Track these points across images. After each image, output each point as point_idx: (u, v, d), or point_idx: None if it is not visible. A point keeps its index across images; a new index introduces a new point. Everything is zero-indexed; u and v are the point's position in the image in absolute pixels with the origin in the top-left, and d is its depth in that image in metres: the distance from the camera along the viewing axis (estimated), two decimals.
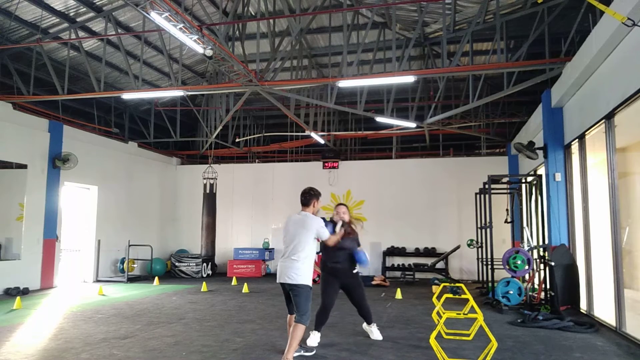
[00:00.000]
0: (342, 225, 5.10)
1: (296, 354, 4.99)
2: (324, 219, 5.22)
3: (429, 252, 14.08)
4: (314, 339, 5.61)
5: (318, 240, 5.04)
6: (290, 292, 4.77)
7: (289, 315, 4.99)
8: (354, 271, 5.76)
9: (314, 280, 5.03)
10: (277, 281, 4.85)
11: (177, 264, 13.95)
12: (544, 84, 9.48)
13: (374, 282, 12.15)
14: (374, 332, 5.96)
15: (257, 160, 17.08)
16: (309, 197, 5.03)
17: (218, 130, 14.08)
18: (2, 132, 10.26)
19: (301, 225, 4.84)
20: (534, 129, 10.75)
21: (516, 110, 13.81)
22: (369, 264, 5.58)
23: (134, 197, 14.42)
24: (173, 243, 16.07)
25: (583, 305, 7.85)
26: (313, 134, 13.81)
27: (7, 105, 10.68)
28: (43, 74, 11.40)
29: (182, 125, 15.16)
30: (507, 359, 5.04)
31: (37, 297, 9.54)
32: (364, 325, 6.09)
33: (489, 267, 9.49)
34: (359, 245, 5.84)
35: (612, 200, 6.39)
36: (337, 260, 5.61)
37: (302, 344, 5.25)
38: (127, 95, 10.94)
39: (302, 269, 4.70)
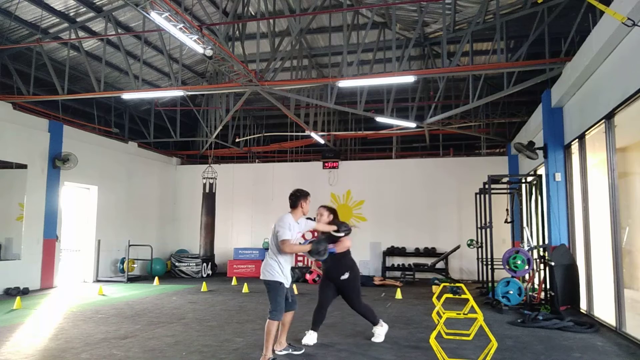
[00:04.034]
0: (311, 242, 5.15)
1: (284, 352, 5.08)
2: (310, 219, 5.31)
3: (429, 252, 14.08)
4: (310, 338, 5.58)
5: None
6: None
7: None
8: (341, 277, 5.57)
9: (313, 280, 5.04)
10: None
11: (177, 264, 13.94)
12: (544, 84, 9.47)
13: (378, 283, 12.12)
14: (376, 334, 5.83)
15: (257, 160, 17.07)
16: (295, 198, 5.09)
17: (218, 130, 14.08)
18: (2, 132, 10.26)
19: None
20: (534, 129, 10.75)
21: (516, 110, 13.81)
22: (320, 259, 5.37)
23: (134, 197, 14.42)
24: (173, 243, 16.06)
25: (583, 305, 7.85)
26: (313, 134, 13.81)
27: (7, 105, 10.68)
28: (43, 74, 11.40)
29: (182, 125, 15.16)
30: (507, 359, 5.04)
31: (37, 297, 9.54)
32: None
33: (489, 267, 9.49)
34: (333, 241, 5.42)
35: (612, 200, 6.39)
36: (325, 260, 5.42)
37: (292, 342, 5.32)
38: (127, 95, 10.94)
39: (273, 266, 4.86)
